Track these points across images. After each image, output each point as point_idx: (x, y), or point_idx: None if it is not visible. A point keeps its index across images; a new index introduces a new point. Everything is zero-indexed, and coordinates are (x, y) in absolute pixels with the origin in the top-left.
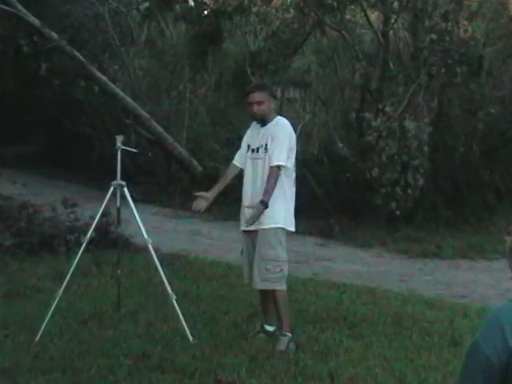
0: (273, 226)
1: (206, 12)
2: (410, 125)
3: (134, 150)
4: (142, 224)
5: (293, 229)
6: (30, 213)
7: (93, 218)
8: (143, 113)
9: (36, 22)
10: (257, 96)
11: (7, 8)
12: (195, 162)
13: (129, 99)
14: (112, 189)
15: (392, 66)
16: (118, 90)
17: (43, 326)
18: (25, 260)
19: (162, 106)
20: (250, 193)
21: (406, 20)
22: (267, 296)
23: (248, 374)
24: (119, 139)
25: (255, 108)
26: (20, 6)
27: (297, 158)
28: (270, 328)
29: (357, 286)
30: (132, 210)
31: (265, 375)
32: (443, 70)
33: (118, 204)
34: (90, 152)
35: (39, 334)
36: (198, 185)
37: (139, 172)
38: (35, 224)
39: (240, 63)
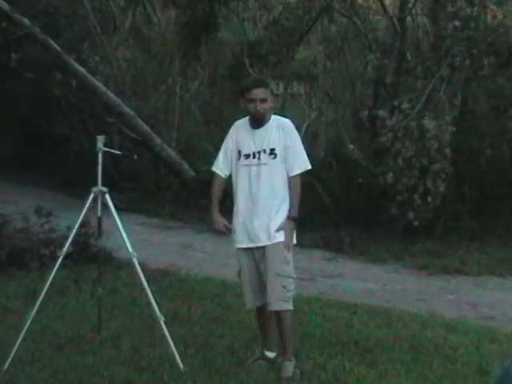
0: (286, 241)
1: None
2: (429, 124)
3: (118, 152)
4: (126, 236)
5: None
6: None
7: (70, 228)
8: (128, 110)
9: (5, 5)
10: (262, 92)
11: None
12: (186, 166)
13: (111, 94)
14: (92, 196)
15: (409, 58)
16: (98, 84)
17: (13, 352)
18: None
19: (149, 103)
20: (247, 205)
21: (426, 5)
22: (268, 317)
23: None
24: (100, 140)
25: (259, 106)
26: None
27: None
28: (270, 354)
29: (369, 306)
30: (115, 220)
31: None
32: (468, 62)
33: (99, 213)
34: (67, 154)
35: (8, 361)
36: (190, 191)
37: (123, 177)
38: (4, 236)
39: (237, 54)
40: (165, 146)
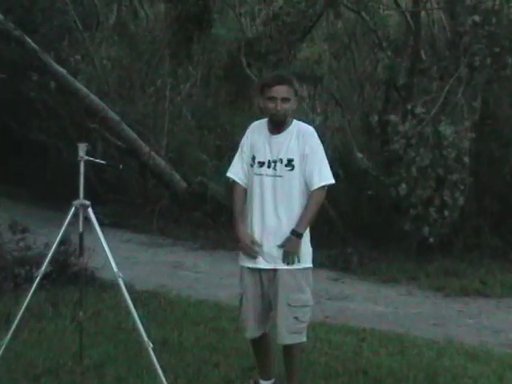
0: (302, 265)
1: None
2: (446, 130)
3: (101, 162)
4: (110, 254)
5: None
6: None
7: (48, 246)
8: (112, 115)
9: None
10: (284, 90)
11: None
12: (177, 176)
13: (94, 97)
14: (73, 210)
15: (424, 56)
16: (80, 86)
17: None
18: None
19: (136, 106)
20: (259, 220)
21: None
22: (267, 347)
23: None
24: (82, 148)
25: (280, 106)
26: None
27: None
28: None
29: (380, 331)
30: (98, 237)
31: None
32: (489, 61)
33: (81, 229)
34: (45, 164)
35: None
36: (181, 205)
37: (107, 189)
38: None
39: (233, 53)
40: (153, 154)
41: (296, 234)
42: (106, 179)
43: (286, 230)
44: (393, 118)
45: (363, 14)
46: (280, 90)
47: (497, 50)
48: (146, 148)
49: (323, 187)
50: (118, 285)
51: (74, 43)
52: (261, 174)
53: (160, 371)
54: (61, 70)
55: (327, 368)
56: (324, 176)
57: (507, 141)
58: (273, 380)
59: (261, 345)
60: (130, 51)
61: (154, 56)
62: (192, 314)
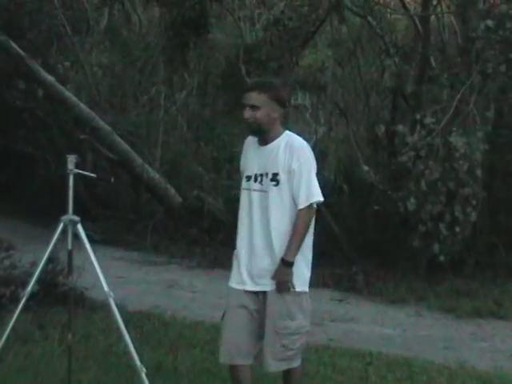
0: (293, 290)
1: None
2: (457, 141)
3: (92, 175)
4: (101, 273)
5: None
6: None
7: (35, 264)
8: (103, 125)
9: None
10: (252, 97)
11: None
12: (172, 191)
13: (84, 107)
14: (61, 226)
15: (434, 63)
16: (69, 95)
17: None
18: None
19: (129, 116)
20: (246, 239)
21: (453, 1)
22: (248, 377)
23: None
24: (71, 160)
25: (247, 113)
26: None
27: None
28: None
29: (387, 355)
30: (88, 254)
31: None
32: (503, 68)
33: (70, 246)
34: (32, 177)
35: None
36: (176, 220)
37: (98, 203)
38: None
39: (232, 59)
40: (147, 166)
41: (286, 264)
42: (97, 193)
43: (274, 252)
44: (400, 128)
45: (369, 18)
46: (248, 97)
47: (511, 56)
48: (139, 160)
49: (311, 206)
50: (108, 305)
51: (63, 49)
52: (248, 189)
53: None
54: (49, 77)
55: None
56: (311, 193)
57: None
58: None
59: (241, 374)
60: (122, 58)
61: (147, 63)
62: (188, 337)
